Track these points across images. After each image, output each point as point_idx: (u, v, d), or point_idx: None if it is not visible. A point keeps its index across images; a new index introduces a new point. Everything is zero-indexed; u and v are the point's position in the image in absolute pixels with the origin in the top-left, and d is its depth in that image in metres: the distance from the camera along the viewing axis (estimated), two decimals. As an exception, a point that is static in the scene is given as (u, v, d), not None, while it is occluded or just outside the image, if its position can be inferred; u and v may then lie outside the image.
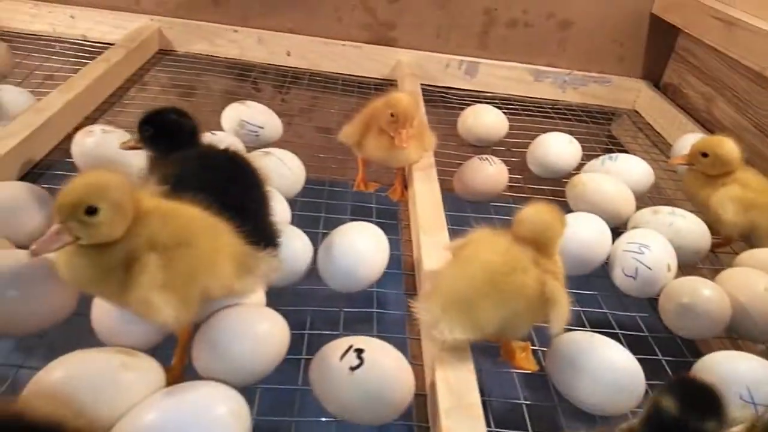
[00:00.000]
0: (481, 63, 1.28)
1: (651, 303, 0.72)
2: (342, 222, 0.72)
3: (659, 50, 1.31)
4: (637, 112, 1.33)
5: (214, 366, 0.50)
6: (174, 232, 0.48)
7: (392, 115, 0.74)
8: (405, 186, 0.88)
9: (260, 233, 0.56)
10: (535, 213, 0.54)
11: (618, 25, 1.29)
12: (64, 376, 0.44)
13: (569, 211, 0.85)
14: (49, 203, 0.67)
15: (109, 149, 0.73)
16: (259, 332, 0.53)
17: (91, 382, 0.44)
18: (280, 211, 0.68)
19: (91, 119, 0.96)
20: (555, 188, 0.95)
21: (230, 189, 0.58)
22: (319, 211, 0.80)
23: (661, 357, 0.64)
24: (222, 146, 0.62)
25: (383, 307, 0.66)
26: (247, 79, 1.26)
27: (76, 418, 0.35)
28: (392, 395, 0.48)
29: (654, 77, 1.34)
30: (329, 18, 1.27)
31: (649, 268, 0.69)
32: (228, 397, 0.46)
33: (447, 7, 1.25)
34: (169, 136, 0.60)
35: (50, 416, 0.35)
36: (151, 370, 0.48)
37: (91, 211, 0.43)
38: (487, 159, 0.86)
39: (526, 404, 0.56)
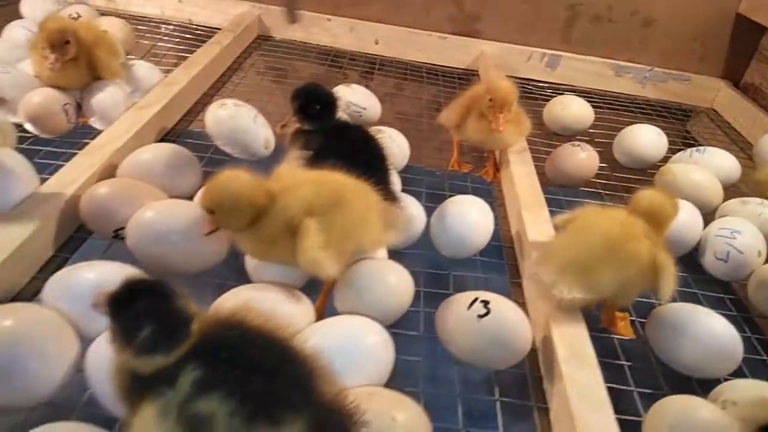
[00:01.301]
0: (563, 56, 1.32)
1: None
2: (442, 198, 0.78)
3: (742, 50, 1.32)
4: (715, 110, 1.34)
5: (354, 308, 0.57)
6: (328, 196, 0.55)
7: (491, 99, 0.80)
8: (497, 168, 0.94)
9: (387, 196, 0.63)
10: (655, 193, 0.59)
11: (701, 24, 1.30)
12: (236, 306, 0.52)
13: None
14: (195, 163, 0.76)
15: (240, 121, 0.81)
16: (391, 282, 0.59)
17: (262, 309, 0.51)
18: (395, 183, 0.74)
19: (207, 95, 1.05)
20: (639, 177, 0.99)
21: (362, 158, 0.65)
22: (420, 186, 0.86)
23: (750, 335, 0.68)
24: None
25: (487, 273, 0.72)
26: (335, 65, 1.33)
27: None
28: (515, 342, 0.54)
29: (734, 76, 1.35)
30: (417, 9, 1.33)
31: (741, 252, 0.73)
32: (377, 330, 0.53)
33: (532, 2, 1.30)
34: (322, 112, 0.68)
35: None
36: (306, 304, 0.55)
37: (211, 212, 0.54)
38: (579, 145, 0.91)
39: (628, 365, 0.61)
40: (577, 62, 1.33)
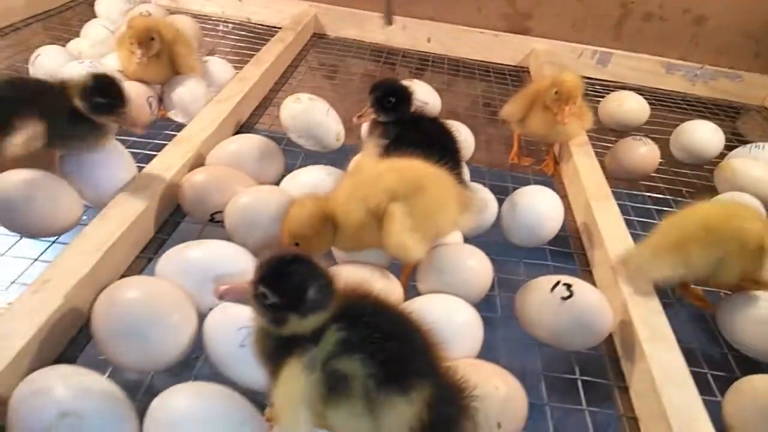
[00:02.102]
0: (614, 54, 1.34)
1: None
2: (505, 189, 0.81)
3: (796, 47, 1.32)
4: (767, 108, 1.34)
5: (436, 290, 0.60)
6: (410, 182, 0.58)
7: (557, 92, 0.82)
8: (556, 162, 0.96)
9: (460, 183, 0.66)
10: None
11: (755, 22, 1.30)
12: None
13: (716, 193, 0.90)
14: (278, 152, 0.80)
15: (314, 114, 0.85)
16: (471, 265, 0.63)
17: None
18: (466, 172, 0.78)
19: (273, 91, 1.09)
20: (697, 173, 1.00)
21: (436, 147, 0.68)
22: (483, 178, 0.89)
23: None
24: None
25: (557, 261, 0.74)
26: (387, 62, 1.36)
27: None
28: (597, 324, 0.57)
29: (789, 75, 1.35)
30: (470, 7, 1.36)
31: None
32: (468, 308, 0.56)
33: (585, 0, 1.31)
34: (397, 105, 0.71)
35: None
36: (396, 283, 0.59)
37: (296, 243, 0.58)
38: (641, 139, 0.93)
39: (699, 349, 0.63)
40: (628, 60, 1.34)
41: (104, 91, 0.65)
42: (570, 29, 1.34)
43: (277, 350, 0.41)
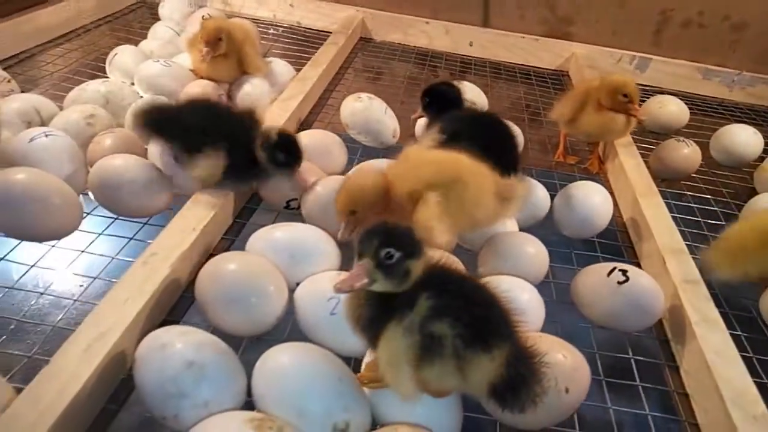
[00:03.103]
0: (653, 59, 1.37)
1: None
2: (554, 187, 0.86)
3: (835, 54, 1.34)
4: (805, 114, 1.37)
5: (497, 273, 0.65)
6: (447, 173, 0.62)
7: (625, 95, 0.87)
8: (600, 160, 1.01)
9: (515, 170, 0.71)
10: None
11: (794, 28, 1.33)
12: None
13: (755, 194, 0.94)
14: (343, 146, 0.86)
15: (373, 112, 0.91)
16: (529, 252, 0.68)
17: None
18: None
19: (327, 91, 1.15)
20: (736, 174, 1.04)
21: (494, 139, 0.73)
22: (531, 176, 0.94)
23: None
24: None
25: (605, 253, 0.79)
26: (431, 65, 1.41)
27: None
28: (651, 306, 0.62)
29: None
30: (512, 13, 1.41)
31: None
32: (530, 288, 0.61)
33: (625, 6, 1.35)
34: (447, 103, 0.77)
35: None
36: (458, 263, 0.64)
37: (352, 212, 0.61)
38: (683, 141, 0.97)
39: (744, 336, 0.67)
40: (666, 65, 1.38)
41: (287, 149, 0.69)
42: (610, 35, 1.39)
43: (375, 318, 0.46)
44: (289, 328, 0.59)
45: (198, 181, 0.70)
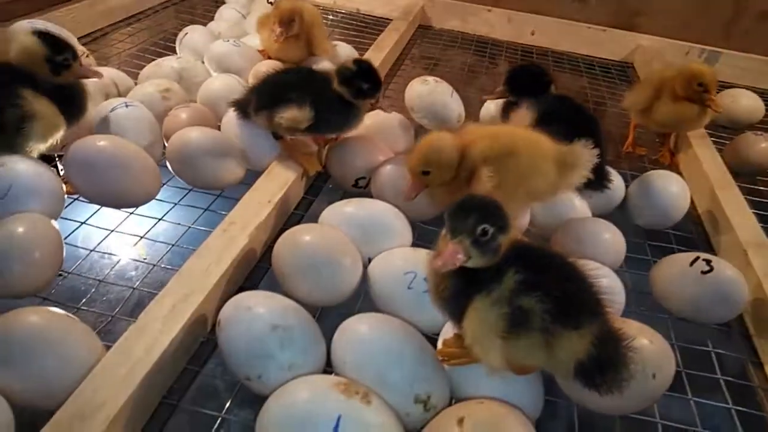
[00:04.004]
0: (723, 53, 1.32)
1: None
2: (625, 177, 0.83)
3: None
4: None
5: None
6: (501, 147, 0.61)
7: (700, 84, 0.83)
8: (671, 152, 0.97)
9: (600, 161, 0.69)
10: None
11: None
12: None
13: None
14: (409, 127, 0.85)
15: (439, 96, 0.90)
16: (606, 238, 0.66)
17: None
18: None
19: (388, 76, 1.15)
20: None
21: (579, 122, 0.71)
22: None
23: None
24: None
25: (680, 245, 0.76)
26: (488, 54, 1.39)
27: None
28: (735, 297, 0.59)
29: None
30: (577, 1, 1.38)
31: None
32: (609, 272, 0.60)
33: (697, -3, 1.31)
34: (536, 86, 0.75)
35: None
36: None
37: (425, 172, 0.61)
38: (762, 135, 0.93)
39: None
40: (737, 59, 1.32)
41: (367, 76, 0.70)
42: (678, 27, 1.34)
43: (460, 291, 0.45)
44: (360, 300, 0.60)
45: (285, 128, 0.70)
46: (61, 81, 0.64)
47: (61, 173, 0.67)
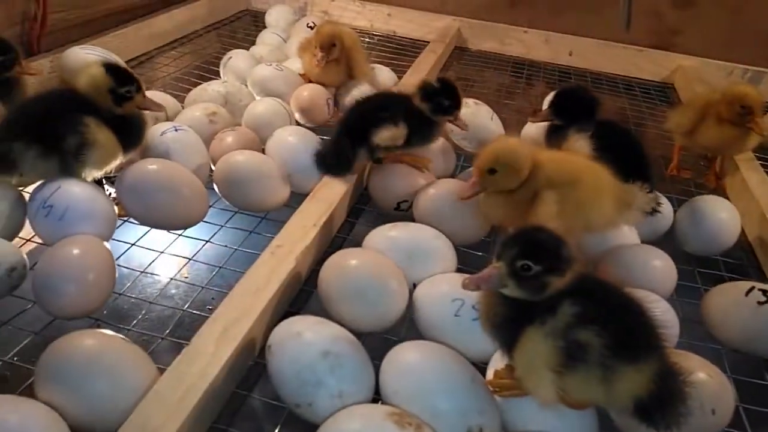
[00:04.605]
0: (768, 73, 1.29)
1: None
2: (670, 201, 0.81)
3: None
4: None
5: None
6: (566, 173, 0.61)
7: (743, 107, 0.82)
8: (717, 176, 0.95)
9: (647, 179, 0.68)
10: None
11: None
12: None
13: None
14: (452, 151, 0.86)
15: (479, 118, 0.90)
16: (656, 265, 0.64)
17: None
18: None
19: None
20: None
21: (627, 149, 0.70)
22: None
23: None
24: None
25: (732, 272, 0.74)
26: (524, 75, 1.38)
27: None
28: (795, 330, 0.57)
29: None
30: (615, 22, 1.36)
31: None
32: (662, 302, 0.58)
33: (740, 16, 1.28)
34: (584, 110, 0.74)
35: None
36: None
37: (492, 171, 0.60)
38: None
39: None
40: (783, 79, 1.29)
41: (449, 94, 0.74)
42: (720, 46, 1.31)
43: (512, 319, 0.45)
44: (405, 326, 0.59)
45: (384, 148, 0.74)
46: (122, 111, 0.66)
47: (112, 194, 0.69)
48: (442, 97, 0.73)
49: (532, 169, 0.61)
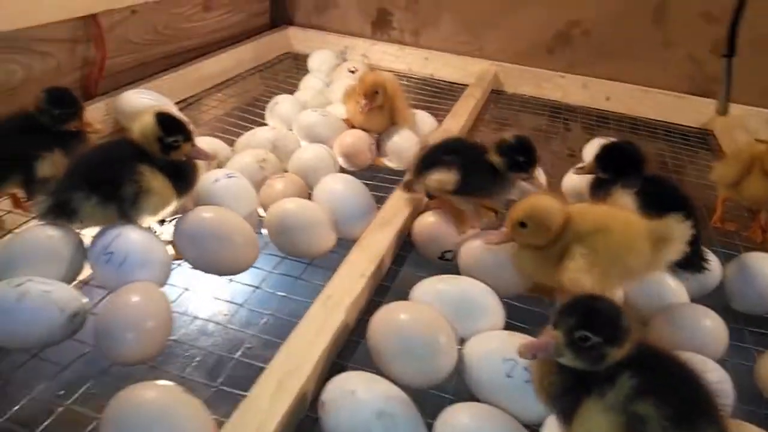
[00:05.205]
0: (816, 122, 1.28)
1: None
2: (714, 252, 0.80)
3: None
4: None
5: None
6: (592, 223, 0.61)
7: None
8: (763, 229, 0.94)
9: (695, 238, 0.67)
10: None
11: None
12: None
13: None
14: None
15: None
16: (706, 326, 0.64)
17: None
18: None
19: (464, 142, 1.17)
20: None
21: (676, 204, 0.70)
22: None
23: None
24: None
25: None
26: (562, 119, 1.39)
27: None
28: None
29: None
30: (654, 68, 1.37)
31: None
32: (716, 367, 0.57)
33: (782, 64, 1.28)
34: (630, 166, 0.75)
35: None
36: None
37: (522, 225, 0.61)
38: None
39: None
40: (828, 128, 1.27)
41: (525, 151, 0.74)
42: (761, 93, 1.31)
43: (569, 389, 0.45)
44: (453, 383, 0.59)
45: (433, 189, 0.77)
46: (172, 159, 0.69)
47: (160, 234, 0.71)
48: (518, 154, 0.73)
49: (563, 224, 0.62)
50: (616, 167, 0.75)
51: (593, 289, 0.57)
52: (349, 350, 0.64)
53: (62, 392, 0.56)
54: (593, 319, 0.43)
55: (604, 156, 0.77)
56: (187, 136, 0.69)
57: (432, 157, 0.77)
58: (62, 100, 0.75)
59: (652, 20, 1.36)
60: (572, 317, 0.43)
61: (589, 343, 0.42)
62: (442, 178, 0.74)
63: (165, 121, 0.69)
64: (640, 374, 0.43)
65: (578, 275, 0.59)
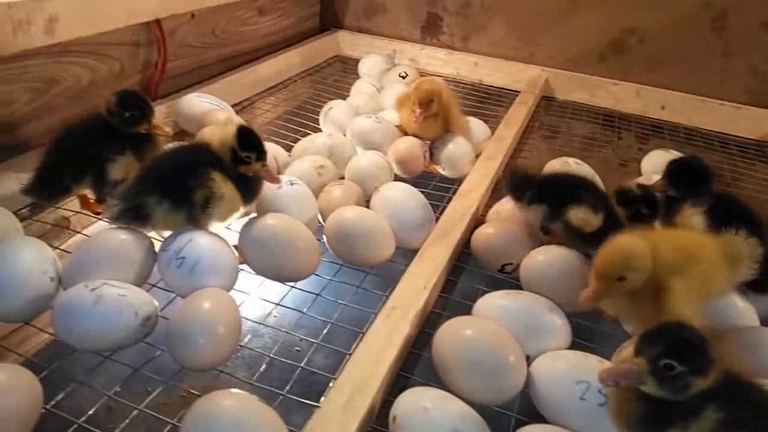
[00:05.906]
0: None
1: None
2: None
3: None
4: None
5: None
6: (686, 255, 0.59)
7: None
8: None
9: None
10: None
11: None
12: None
13: None
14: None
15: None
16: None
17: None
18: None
19: (517, 150, 1.16)
20: None
21: (745, 223, 0.68)
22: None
23: None
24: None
25: None
26: (616, 127, 1.36)
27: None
28: None
29: None
30: (711, 78, 1.34)
31: None
32: None
33: None
34: (699, 183, 0.73)
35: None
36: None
37: (621, 278, 0.57)
38: None
39: None
40: None
41: (650, 203, 0.72)
42: (827, 106, 1.26)
43: (649, 419, 0.44)
44: (518, 402, 0.59)
45: (572, 224, 0.72)
46: (241, 171, 0.70)
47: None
48: (643, 205, 0.71)
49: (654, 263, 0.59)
50: (686, 183, 0.73)
51: (695, 320, 0.55)
52: (411, 363, 0.64)
53: (135, 394, 0.57)
54: (679, 347, 0.42)
55: (673, 171, 0.75)
56: (261, 156, 0.70)
57: (571, 192, 0.73)
58: (133, 103, 0.77)
59: (710, 29, 1.32)
60: (657, 345, 0.43)
61: (673, 372, 0.42)
62: (588, 218, 0.70)
63: (244, 135, 0.70)
64: (726, 407, 0.42)
65: (684, 311, 0.56)
